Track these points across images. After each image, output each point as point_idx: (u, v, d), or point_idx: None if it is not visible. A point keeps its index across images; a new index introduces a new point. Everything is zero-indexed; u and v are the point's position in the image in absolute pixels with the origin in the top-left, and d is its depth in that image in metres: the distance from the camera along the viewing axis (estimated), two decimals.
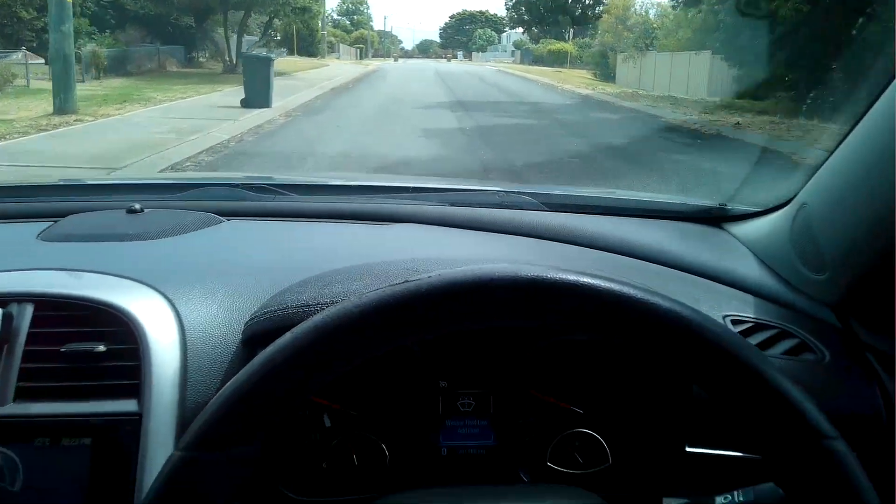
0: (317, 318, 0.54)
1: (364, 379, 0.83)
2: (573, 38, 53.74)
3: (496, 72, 35.70)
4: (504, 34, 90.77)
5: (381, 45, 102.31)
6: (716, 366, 0.53)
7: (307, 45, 46.15)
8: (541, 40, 59.75)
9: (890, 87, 0.74)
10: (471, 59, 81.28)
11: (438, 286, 0.53)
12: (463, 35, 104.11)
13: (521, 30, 70.06)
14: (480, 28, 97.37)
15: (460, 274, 0.54)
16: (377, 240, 1.08)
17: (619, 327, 0.54)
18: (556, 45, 45.91)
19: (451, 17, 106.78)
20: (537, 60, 45.76)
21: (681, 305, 0.54)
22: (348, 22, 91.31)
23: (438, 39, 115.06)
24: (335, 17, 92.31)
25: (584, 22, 60.17)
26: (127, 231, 1.00)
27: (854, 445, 0.52)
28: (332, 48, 54.96)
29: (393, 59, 74.46)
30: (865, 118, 0.79)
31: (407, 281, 0.54)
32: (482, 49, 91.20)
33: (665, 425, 0.84)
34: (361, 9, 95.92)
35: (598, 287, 0.53)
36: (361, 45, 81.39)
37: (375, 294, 0.54)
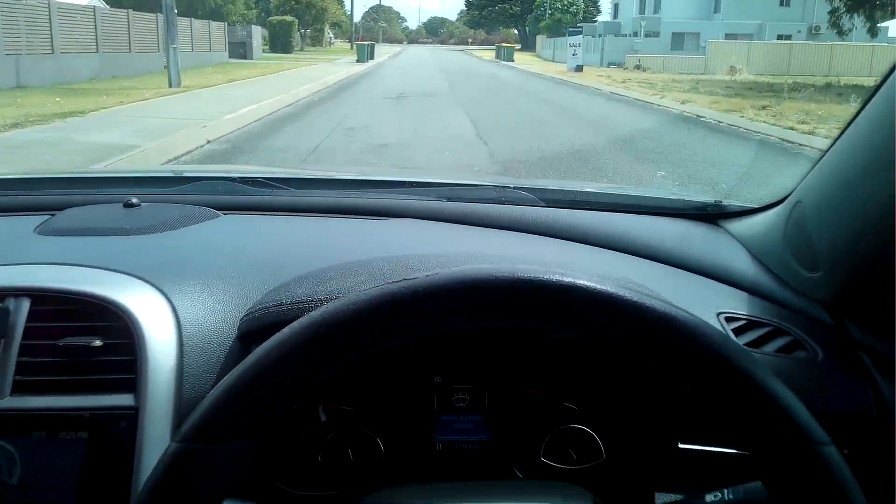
0: (314, 314, 0.54)
1: (359, 374, 0.84)
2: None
3: None
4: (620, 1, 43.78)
5: (357, 25, 56.54)
6: (707, 369, 0.54)
7: None
8: None
9: (885, 85, 0.74)
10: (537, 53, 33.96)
11: (436, 285, 0.53)
12: (512, 2, 57.81)
13: None
14: None
15: (458, 273, 0.54)
16: (373, 235, 1.09)
17: (614, 330, 0.55)
18: None
19: None
20: None
21: (675, 308, 0.54)
22: None
23: (464, 8, 68.52)
24: None
25: None
26: (123, 225, 1.02)
27: (845, 445, 0.54)
28: None
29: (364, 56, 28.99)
30: (860, 115, 0.78)
31: (404, 279, 0.55)
32: (556, 30, 45.31)
33: (658, 422, 0.84)
34: None
35: (592, 289, 0.54)
36: (288, 20, 35.91)
37: (371, 292, 0.54)
